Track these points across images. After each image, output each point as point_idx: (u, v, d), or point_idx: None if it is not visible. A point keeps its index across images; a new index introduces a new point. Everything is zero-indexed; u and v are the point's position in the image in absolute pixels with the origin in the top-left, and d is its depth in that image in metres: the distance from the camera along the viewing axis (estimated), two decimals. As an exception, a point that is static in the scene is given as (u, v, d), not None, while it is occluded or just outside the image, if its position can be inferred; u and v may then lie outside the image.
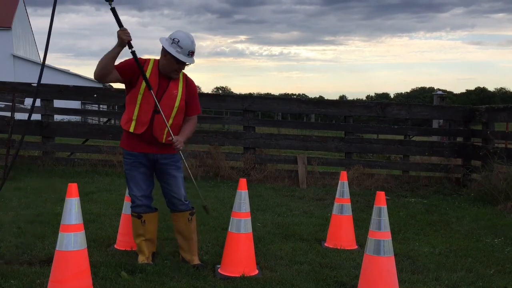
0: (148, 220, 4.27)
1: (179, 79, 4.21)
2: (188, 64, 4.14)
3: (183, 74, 4.25)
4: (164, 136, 4.12)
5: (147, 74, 4.06)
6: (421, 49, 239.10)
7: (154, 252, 4.39)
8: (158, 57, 4.19)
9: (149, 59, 4.18)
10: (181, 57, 4.03)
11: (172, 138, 4.06)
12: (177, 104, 4.13)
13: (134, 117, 4.09)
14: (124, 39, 3.91)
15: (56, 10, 3.99)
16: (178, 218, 4.32)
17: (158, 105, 4.01)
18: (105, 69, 3.97)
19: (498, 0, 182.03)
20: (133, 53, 4.03)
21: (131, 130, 4.10)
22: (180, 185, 4.26)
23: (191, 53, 4.07)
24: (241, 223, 4.12)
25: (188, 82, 4.27)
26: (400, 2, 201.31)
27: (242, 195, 4.13)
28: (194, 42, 4.10)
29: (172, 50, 4.01)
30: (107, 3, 3.94)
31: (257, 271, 4.17)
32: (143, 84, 4.04)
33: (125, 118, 4.17)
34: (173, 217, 4.35)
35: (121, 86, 4.26)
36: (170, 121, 4.13)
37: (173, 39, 4.05)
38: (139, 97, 4.05)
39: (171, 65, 4.08)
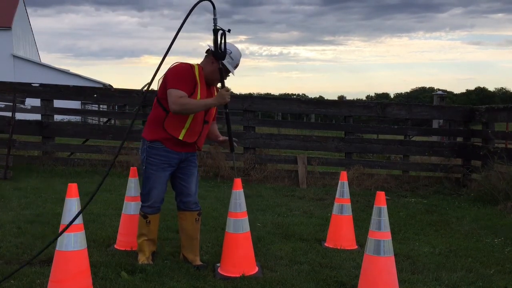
0: (153, 221, 4.29)
1: (214, 89, 4.29)
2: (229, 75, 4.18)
3: None
4: (202, 144, 4.29)
5: (199, 86, 4.05)
6: (420, 49, 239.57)
7: (154, 252, 4.40)
8: (189, 61, 4.18)
9: (193, 65, 4.10)
10: (231, 68, 4.10)
11: (236, 140, 4.31)
12: (215, 111, 4.32)
13: (187, 126, 4.06)
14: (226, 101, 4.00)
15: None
16: (186, 217, 4.33)
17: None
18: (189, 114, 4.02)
19: (497, 0, 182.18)
20: (226, 113, 4.18)
21: (181, 137, 4.06)
22: (196, 183, 4.34)
23: (236, 66, 4.17)
24: (239, 223, 4.10)
25: (217, 89, 4.32)
26: (398, 3, 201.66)
27: (238, 194, 4.12)
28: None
29: (225, 61, 4.05)
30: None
31: (257, 269, 4.17)
32: (199, 94, 4.01)
33: (175, 125, 4.05)
34: (181, 216, 4.36)
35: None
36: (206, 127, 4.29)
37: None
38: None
39: (217, 74, 4.07)
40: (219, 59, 3.98)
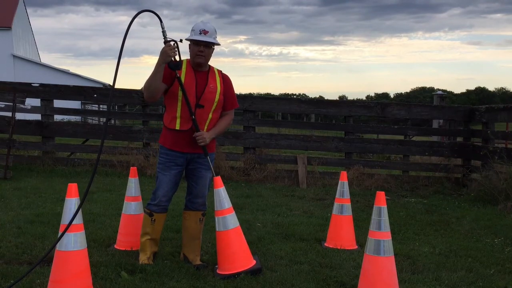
0: (158, 220, 4.29)
1: (215, 74, 4.24)
2: (210, 45, 4.09)
3: (218, 70, 4.30)
4: (205, 128, 4.16)
5: (182, 74, 4.09)
6: (420, 49, 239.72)
7: (155, 252, 4.40)
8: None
9: (182, 60, 4.18)
10: (193, 36, 4.08)
11: (196, 133, 4.08)
12: (217, 98, 4.18)
13: (178, 115, 4.10)
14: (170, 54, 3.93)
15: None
16: (190, 216, 4.34)
17: (187, 101, 4.03)
18: (155, 88, 4.02)
19: (495, 1, 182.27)
20: (178, 78, 4.04)
21: (177, 127, 4.11)
22: (207, 186, 4.33)
23: (203, 32, 4.09)
24: (226, 220, 4.08)
25: (224, 76, 4.32)
26: (397, 3, 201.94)
27: (221, 192, 4.11)
28: (209, 23, 4.14)
29: (188, 36, 4.12)
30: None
31: (254, 261, 4.16)
32: (182, 81, 4.05)
33: (169, 117, 4.16)
34: (185, 215, 4.38)
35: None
36: (210, 115, 4.17)
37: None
38: (180, 93, 4.06)
39: (192, 50, 4.12)
40: (173, 70, 4.02)
